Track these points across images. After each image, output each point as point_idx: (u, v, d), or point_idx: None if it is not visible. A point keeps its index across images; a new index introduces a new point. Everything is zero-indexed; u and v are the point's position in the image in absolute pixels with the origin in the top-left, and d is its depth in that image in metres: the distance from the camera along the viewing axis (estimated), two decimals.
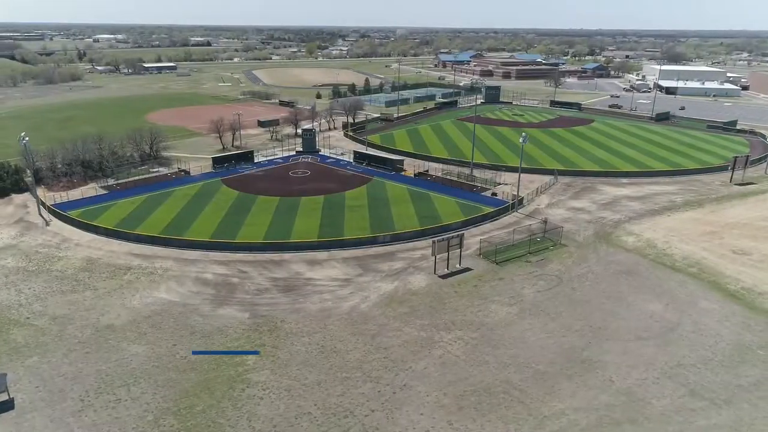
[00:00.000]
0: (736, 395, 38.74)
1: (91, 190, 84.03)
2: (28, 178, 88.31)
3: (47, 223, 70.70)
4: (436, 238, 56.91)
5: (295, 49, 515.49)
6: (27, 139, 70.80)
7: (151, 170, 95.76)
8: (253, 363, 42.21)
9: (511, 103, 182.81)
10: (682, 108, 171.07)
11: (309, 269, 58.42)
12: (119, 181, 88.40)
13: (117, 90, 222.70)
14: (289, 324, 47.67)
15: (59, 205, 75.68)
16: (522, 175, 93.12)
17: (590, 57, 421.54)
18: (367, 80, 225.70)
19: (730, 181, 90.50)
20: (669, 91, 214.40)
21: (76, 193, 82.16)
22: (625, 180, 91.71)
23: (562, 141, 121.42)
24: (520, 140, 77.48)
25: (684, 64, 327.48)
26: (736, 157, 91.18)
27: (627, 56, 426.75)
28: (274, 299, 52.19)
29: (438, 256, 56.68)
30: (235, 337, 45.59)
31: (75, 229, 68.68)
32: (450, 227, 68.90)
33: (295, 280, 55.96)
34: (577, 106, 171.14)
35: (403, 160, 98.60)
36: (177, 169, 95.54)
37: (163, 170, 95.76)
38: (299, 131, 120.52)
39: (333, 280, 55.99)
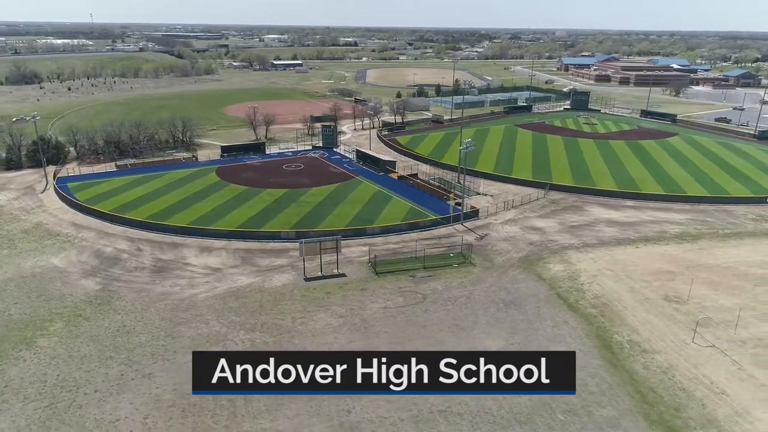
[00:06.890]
0: None
1: (108, 167, 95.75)
2: (71, 153, 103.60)
3: (43, 191, 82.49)
4: (304, 240, 55.24)
5: (429, 50, 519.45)
6: (38, 117, 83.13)
7: (173, 155, 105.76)
8: (55, 330, 45.57)
9: (599, 111, 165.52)
10: None
11: (195, 255, 60.56)
12: (134, 161, 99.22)
13: (232, 84, 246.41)
14: (121, 302, 50.31)
15: (64, 177, 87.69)
16: (511, 186, 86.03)
17: (755, 63, 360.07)
18: (457, 81, 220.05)
19: None
20: None
21: (96, 169, 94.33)
22: (630, 202, 78.65)
23: (606, 155, 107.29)
24: (461, 148, 70.73)
25: None
26: None
27: None
28: (137, 278, 55.25)
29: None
30: (65, 305, 49.45)
31: (56, 198, 79.17)
32: (365, 232, 66.10)
33: (172, 264, 58.50)
34: (671, 117, 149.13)
35: (395, 162, 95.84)
36: (191, 155, 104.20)
37: (180, 155, 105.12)
38: (319, 126, 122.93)
39: (205, 268, 57.44)
